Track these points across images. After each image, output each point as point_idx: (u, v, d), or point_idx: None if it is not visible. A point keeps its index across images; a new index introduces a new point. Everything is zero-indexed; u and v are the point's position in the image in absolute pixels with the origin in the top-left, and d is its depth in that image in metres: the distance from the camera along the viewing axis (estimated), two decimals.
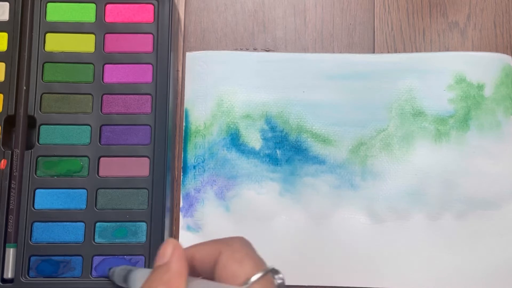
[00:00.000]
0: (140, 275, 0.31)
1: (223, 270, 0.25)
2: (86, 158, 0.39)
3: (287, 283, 0.40)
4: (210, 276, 0.27)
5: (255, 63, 0.42)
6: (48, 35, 0.40)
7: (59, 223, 0.38)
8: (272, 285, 0.25)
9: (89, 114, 0.39)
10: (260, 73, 0.42)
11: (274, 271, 0.26)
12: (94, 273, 0.37)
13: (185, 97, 0.42)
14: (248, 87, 0.42)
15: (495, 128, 0.41)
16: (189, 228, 0.40)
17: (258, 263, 0.25)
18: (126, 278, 0.33)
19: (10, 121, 0.39)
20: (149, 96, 0.40)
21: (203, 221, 0.40)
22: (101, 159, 0.39)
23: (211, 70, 0.42)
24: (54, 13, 0.40)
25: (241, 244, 0.26)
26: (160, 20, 0.40)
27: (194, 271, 0.27)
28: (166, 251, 0.26)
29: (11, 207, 0.38)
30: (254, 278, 0.24)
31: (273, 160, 0.41)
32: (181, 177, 0.41)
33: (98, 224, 0.38)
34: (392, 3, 0.44)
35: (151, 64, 0.40)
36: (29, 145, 0.39)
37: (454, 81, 0.42)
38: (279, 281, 0.26)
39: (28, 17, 0.40)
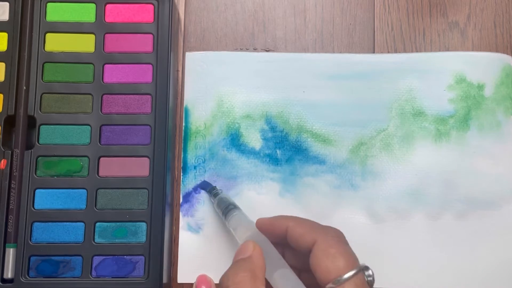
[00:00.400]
0: (241, 226, 0.34)
1: (316, 263, 0.26)
2: (86, 158, 0.39)
3: None
4: (296, 248, 0.29)
5: (255, 63, 0.42)
6: (48, 35, 0.40)
7: (59, 223, 0.38)
8: (363, 283, 0.26)
9: (89, 114, 0.39)
10: (260, 73, 0.42)
11: (365, 268, 0.26)
12: (94, 273, 0.37)
13: (185, 97, 0.42)
14: (248, 87, 0.42)
15: (495, 128, 0.41)
16: (189, 228, 0.40)
17: (351, 260, 0.26)
18: (225, 214, 0.36)
19: (10, 121, 0.39)
20: (149, 96, 0.40)
21: (203, 221, 0.40)
22: (101, 159, 0.39)
23: (211, 70, 0.42)
24: (54, 13, 0.40)
25: (336, 239, 0.27)
26: (160, 20, 0.40)
27: (282, 240, 0.30)
28: (248, 247, 0.29)
29: (11, 207, 0.38)
30: (346, 276, 0.25)
31: (273, 160, 0.41)
32: (181, 177, 0.41)
33: (98, 224, 0.38)
34: (392, 3, 0.44)
35: (151, 64, 0.40)
36: (29, 145, 0.39)
37: (454, 81, 0.42)
38: (369, 279, 0.26)
39: (28, 17, 0.40)
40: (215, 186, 0.40)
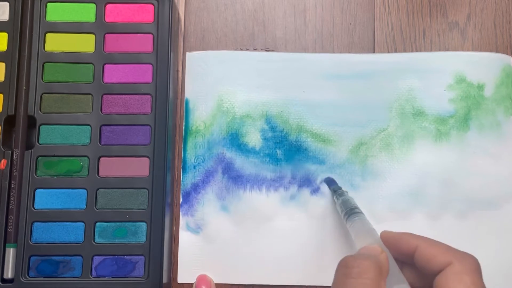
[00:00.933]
0: (364, 232, 0.33)
1: (445, 285, 0.26)
2: (86, 158, 0.39)
3: (287, 283, 0.40)
4: (422, 268, 0.28)
5: (255, 63, 0.42)
6: (48, 35, 0.40)
7: (59, 223, 0.38)
8: None
9: (89, 114, 0.39)
10: (260, 73, 0.42)
11: None
12: (94, 273, 0.37)
13: (185, 97, 0.42)
14: (248, 87, 0.42)
15: (495, 128, 0.41)
16: (189, 228, 0.40)
17: None
18: (348, 215, 0.35)
19: (10, 121, 0.39)
20: (149, 96, 0.40)
21: (203, 221, 0.40)
22: (101, 159, 0.39)
23: (211, 70, 0.42)
24: (54, 13, 0.40)
25: (473, 267, 0.27)
26: (160, 20, 0.40)
27: (404, 257, 0.29)
28: (377, 249, 0.29)
29: (11, 207, 0.38)
30: None
31: (273, 160, 0.41)
32: (181, 177, 0.41)
33: (98, 224, 0.38)
34: (392, 3, 0.44)
35: (151, 64, 0.40)
36: (29, 145, 0.39)
37: (454, 81, 0.42)
38: None
39: (28, 17, 0.40)
40: (341, 187, 0.39)
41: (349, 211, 0.36)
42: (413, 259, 0.29)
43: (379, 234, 0.32)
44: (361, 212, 0.35)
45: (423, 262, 0.28)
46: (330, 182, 0.40)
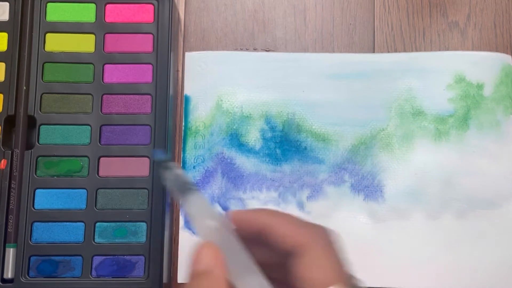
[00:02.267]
0: (198, 207, 0.29)
1: (304, 273, 0.24)
2: (86, 158, 0.39)
3: None
4: (275, 249, 0.26)
5: (255, 63, 0.42)
6: (48, 35, 0.40)
7: (59, 223, 0.38)
8: None
9: (89, 114, 0.39)
10: (260, 73, 0.42)
11: (353, 279, 0.25)
12: (94, 273, 0.37)
13: (185, 97, 0.42)
14: (248, 87, 0.42)
15: (495, 128, 0.41)
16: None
17: (341, 273, 0.25)
18: (182, 193, 0.30)
19: (10, 121, 0.39)
20: (149, 96, 0.40)
21: None
22: (101, 159, 0.39)
23: (211, 70, 0.42)
24: (54, 13, 0.40)
25: (327, 247, 0.25)
26: (160, 20, 0.40)
27: (257, 237, 0.27)
28: (206, 256, 0.25)
29: (11, 207, 0.38)
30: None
31: (273, 160, 0.41)
32: None
33: (98, 224, 0.38)
34: (392, 3, 0.44)
35: (151, 64, 0.40)
36: (29, 145, 0.39)
37: (454, 80, 0.42)
38: None
39: (28, 17, 0.40)
40: (171, 160, 0.36)
41: (183, 188, 0.31)
42: (265, 238, 0.27)
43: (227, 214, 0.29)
44: (196, 189, 0.31)
45: (274, 242, 0.26)
46: (157, 154, 0.34)
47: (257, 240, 0.27)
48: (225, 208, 0.40)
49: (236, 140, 0.41)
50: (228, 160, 0.41)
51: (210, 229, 0.28)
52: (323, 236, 0.26)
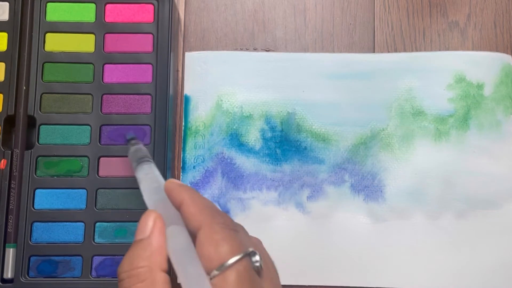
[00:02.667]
0: (145, 177, 0.31)
1: (199, 250, 0.25)
2: (86, 158, 0.39)
3: (287, 283, 0.40)
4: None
5: (255, 63, 0.42)
6: (48, 35, 0.40)
7: (59, 223, 0.38)
8: (247, 270, 0.24)
9: (89, 114, 0.39)
10: (260, 73, 0.42)
11: (251, 254, 0.25)
12: (94, 273, 0.37)
13: (185, 97, 0.42)
14: (248, 87, 0.42)
15: (495, 128, 0.41)
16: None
17: (236, 246, 0.25)
18: (136, 165, 0.33)
19: (10, 121, 0.39)
20: (149, 96, 0.40)
21: None
22: (101, 159, 0.39)
23: (211, 70, 0.42)
24: (54, 13, 0.40)
25: (222, 224, 0.26)
26: (160, 20, 0.40)
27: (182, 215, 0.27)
28: (147, 224, 0.26)
29: (11, 207, 0.38)
30: (228, 262, 0.24)
31: (273, 160, 0.41)
32: (181, 177, 0.41)
33: (98, 224, 0.38)
34: (392, 3, 0.44)
35: (151, 64, 0.40)
36: (29, 145, 0.39)
37: (454, 80, 0.42)
38: (256, 264, 0.25)
39: (28, 17, 0.40)
40: (137, 138, 0.37)
41: (139, 160, 0.34)
42: (182, 215, 0.28)
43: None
44: (151, 161, 0.34)
45: (185, 219, 0.27)
46: (129, 134, 0.38)
47: None
48: (225, 208, 0.40)
49: (236, 140, 0.41)
50: (228, 160, 0.41)
51: (154, 200, 0.29)
52: (219, 218, 0.26)
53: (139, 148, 0.36)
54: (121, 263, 0.26)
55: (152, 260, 0.25)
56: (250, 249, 0.25)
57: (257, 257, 0.25)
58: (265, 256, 0.28)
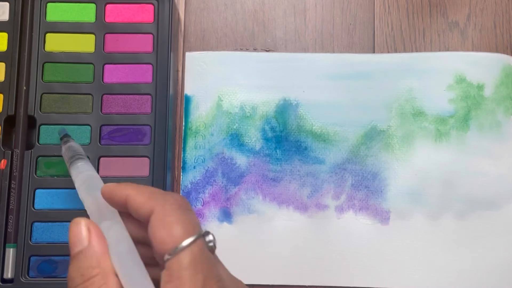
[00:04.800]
0: (78, 176, 0.31)
1: (152, 235, 0.24)
2: None
3: (287, 283, 0.40)
4: (139, 219, 0.26)
5: (255, 63, 0.42)
6: (48, 35, 0.40)
7: (59, 223, 0.38)
8: (202, 250, 0.24)
9: (89, 114, 0.39)
10: (260, 73, 0.42)
11: (205, 234, 0.25)
12: None
13: (185, 97, 0.42)
14: (248, 87, 0.42)
15: (495, 128, 0.41)
16: None
17: (190, 227, 0.24)
18: (69, 165, 0.32)
19: (10, 121, 0.39)
20: (149, 96, 0.40)
21: (202, 221, 0.40)
22: (101, 159, 0.39)
23: (211, 70, 0.42)
24: (54, 13, 0.40)
25: (175, 206, 0.25)
26: (160, 20, 0.40)
27: (125, 210, 0.27)
28: (81, 233, 0.25)
29: (11, 207, 0.38)
30: (182, 244, 0.23)
31: (273, 160, 0.41)
32: (181, 177, 0.41)
33: None
34: (392, 3, 0.44)
35: (151, 64, 0.40)
36: (29, 145, 0.39)
37: (454, 81, 0.42)
38: (210, 244, 0.25)
39: (28, 17, 0.40)
40: (70, 136, 0.37)
41: (71, 159, 0.33)
42: (129, 211, 0.27)
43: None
44: (83, 158, 0.33)
45: (134, 213, 0.26)
46: (62, 131, 0.38)
47: (127, 213, 0.27)
48: (225, 208, 0.40)
49: (236, 140, 0.41)
50: (229, 160, 0.41)
51: (87, 198, 0.29)
52: (171, 200, 0.25)
53: (71, 145, 0.35)
54: (69, 280, 0.25)
55: (102, 266, 0.25)
56: (204, 229, 0.25)
57: (210, 237, 0.25)
58: None
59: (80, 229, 0.26)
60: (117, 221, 0.27)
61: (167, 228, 0.24)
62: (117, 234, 0.26)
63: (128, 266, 0.25)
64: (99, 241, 0.25)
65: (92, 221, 0.26)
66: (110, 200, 0.27)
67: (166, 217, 0.24)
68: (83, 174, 0.31)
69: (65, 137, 0.37)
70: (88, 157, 0.34)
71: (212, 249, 0.25)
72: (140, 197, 0.26)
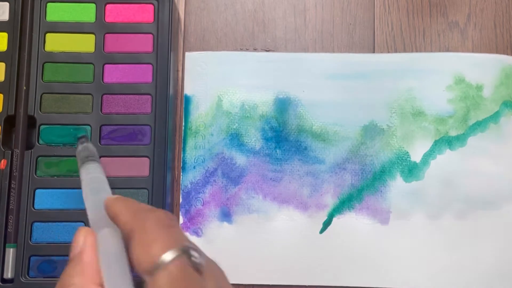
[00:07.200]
0: (86, 177, 0.30)
1: (130, 255, 0.23)
2: None
3: (287, 283, 0.40)
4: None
5: (255, 63, 0.42)
6: (48, 35, 0.40)
7: (59, 223, 0.38)
8: (182, 269, 0.22)
9: (89, 114, 0.39)
10: (260, 73, 0.42)
11: (186, 250, 0.23)
12: None
13: (185, 97, 0.42)
14: (248, 87, 0.42)
15: (495, 129, 0.41)
16: (188, 228, 0.40)
17: (169, 243, 0.23)
18: (80, 164, 0.32)
19: (10, 121, 0.39)
20: (149, 96, 0.40)
21: (202, 221, 0.40)
22: (101, 159, 0.39)
23: (211, 70, 0.42)
24: (54, 13, 0.40)
25: (155, 223, 0.24)
26: (160, 20, 0.40)
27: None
28: (78, 240, 0.25)
29: (11, 207, 0.38)
30: (158, 265, 0.22)
31: (273, 160, 0.41)
32: (181, 177, 0.41)
33: None
34: (392, 3, 0.44)
35: (151, 64, 0.40)
36: (29, 145, 0.39)
37: (454, 81, 0.42)
38: (195, 260, 0.23)
39: (28, 17, 0.40)
40: (87, 136, 0.37)
41: (84, 159, 0.32)
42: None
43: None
44: (96, 161, 0.32)
45: (121, 231, 0.25)
46: (80, 131, 0.38)
47: None
48: (225, 209, 0.40)
49: (236, 140, 0.41)
50: (229, 160, 0.41)
51: (90, 201, 0.28)
52: (152, 217, 0.24)
53: (86, 146, 0.34)
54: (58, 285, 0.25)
55: (84, 275, 0.24)
56: (186, 244, 0.23)
57: (195, 253, 0.23)
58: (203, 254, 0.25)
59: (79, 237, 0.26)
60: (115, 229, 0.26)
61: (144, 247, 0.23)
62: (109, 243, 0.25)
63: (114, 276, 0.24)
64: (90, 251, 0.25)
65: (91, 230, 0.26)
66: (107, 214, 0.27)
67: (144, 235, 0.23)
68: (92, 176, 0.31)
69: (83, 137, 0.36)
70: (98, 158, 0.33)
71: (197, 266, 0.23)
72: (125, 216, 0.25)
